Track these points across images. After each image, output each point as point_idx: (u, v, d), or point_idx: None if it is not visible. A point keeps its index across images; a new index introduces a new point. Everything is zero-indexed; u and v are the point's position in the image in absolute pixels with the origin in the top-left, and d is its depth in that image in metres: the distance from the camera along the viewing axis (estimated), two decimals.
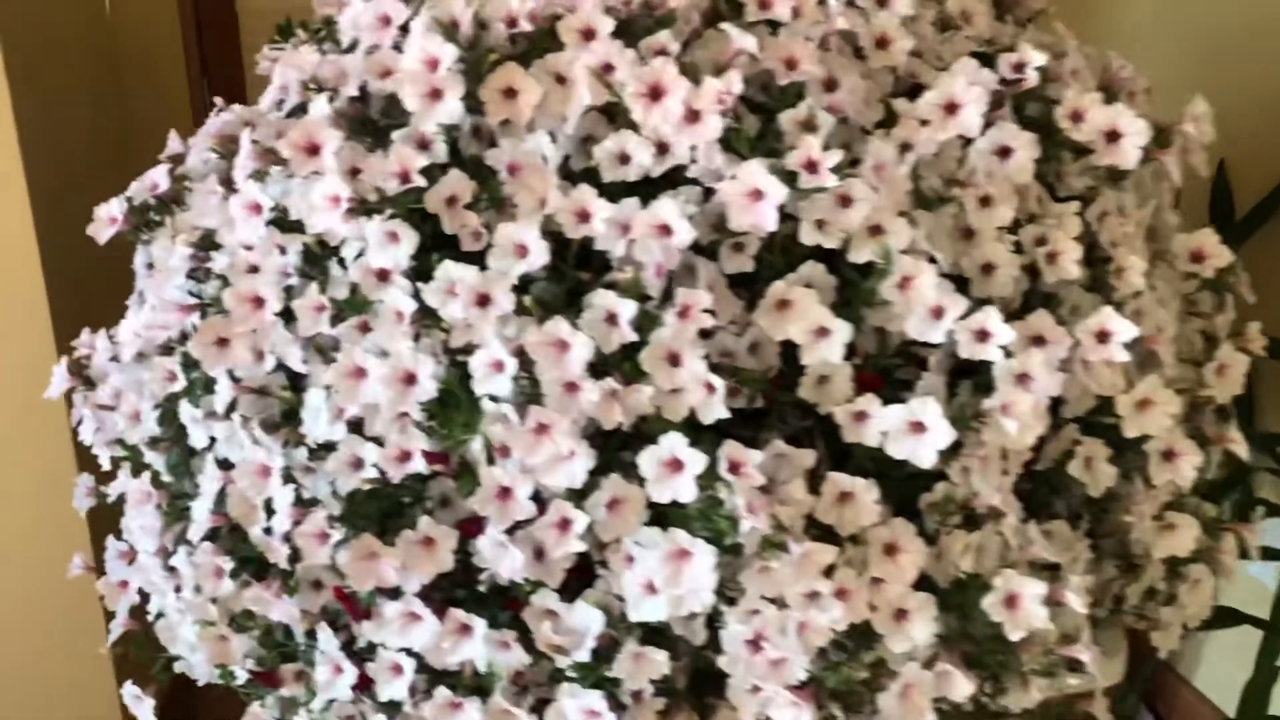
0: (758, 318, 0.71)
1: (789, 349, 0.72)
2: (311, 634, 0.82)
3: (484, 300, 0.72)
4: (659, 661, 0.71)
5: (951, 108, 0.72)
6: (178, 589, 0.86)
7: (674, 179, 0.74)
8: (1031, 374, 0.68)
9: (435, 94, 0.74)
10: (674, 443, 0.67)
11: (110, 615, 0.92)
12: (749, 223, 0.69)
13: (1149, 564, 0.81)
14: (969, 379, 0.73)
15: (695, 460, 0.66)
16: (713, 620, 0.72)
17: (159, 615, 0.90)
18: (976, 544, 0.70)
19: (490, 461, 0.71)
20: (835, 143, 0.73)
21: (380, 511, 0.76)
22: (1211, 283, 0.83)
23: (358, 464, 0.76)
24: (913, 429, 0.69)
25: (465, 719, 0.74)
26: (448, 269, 0.72)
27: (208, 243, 0.84)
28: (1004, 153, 0.75)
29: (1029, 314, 0.71)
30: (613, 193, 0.73)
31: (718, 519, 0.67)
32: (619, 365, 0.70)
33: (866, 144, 0.72)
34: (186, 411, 0.82)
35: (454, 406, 0.73)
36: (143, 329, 0.89)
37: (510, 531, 0.72)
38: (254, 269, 0.81)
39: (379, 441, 0.75)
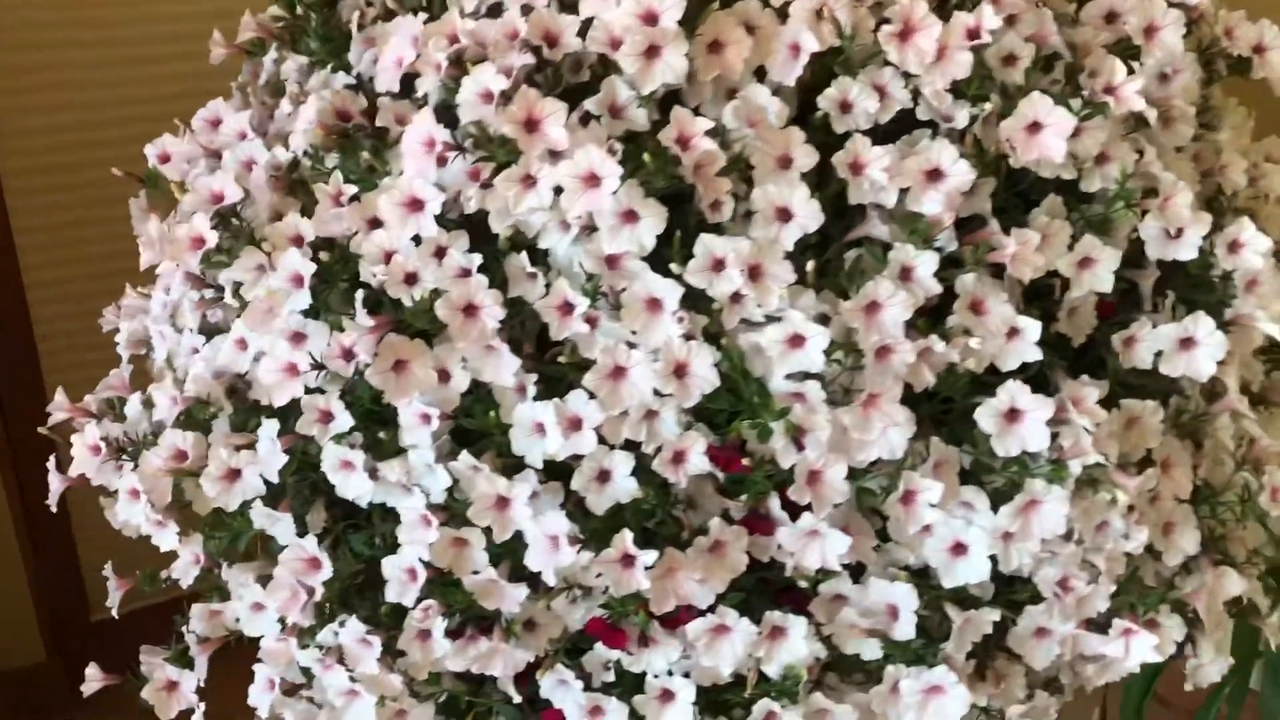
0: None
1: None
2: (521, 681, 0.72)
3: (757, 272, 0.65)
4: (984, 621, 0.69)
5: (1150, 31, 0.74)
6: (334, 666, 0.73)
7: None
8: None
9: (654, 51, 0.66)
10: (1014, 391, 0.64)
11: None
12: (1034, 157, 0.67)
13: None
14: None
15: (1040, 405, 0.64)
16: None
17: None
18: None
19: (799, 446, 0.65)
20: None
21: (638, 526, 0.68)
22: None
23: (604, 477, 0.67)
24: (1183, 345, 0.70)
25: None
26: (709, 243, 0.65)
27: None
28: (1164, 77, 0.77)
29: None
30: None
31: (1048, 465, 0.66)
32: (914, 324, 0.66)
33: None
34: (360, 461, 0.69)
35: (735, 394, 0.66)
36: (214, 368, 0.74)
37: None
38: (411, 278, 0.69)
39: (631, 447, 0.67)
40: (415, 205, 0.69)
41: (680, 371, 0.65)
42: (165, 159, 0.88)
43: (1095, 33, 0.74)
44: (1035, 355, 0.66)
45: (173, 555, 0.80)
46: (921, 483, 0.64)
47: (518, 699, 0.73)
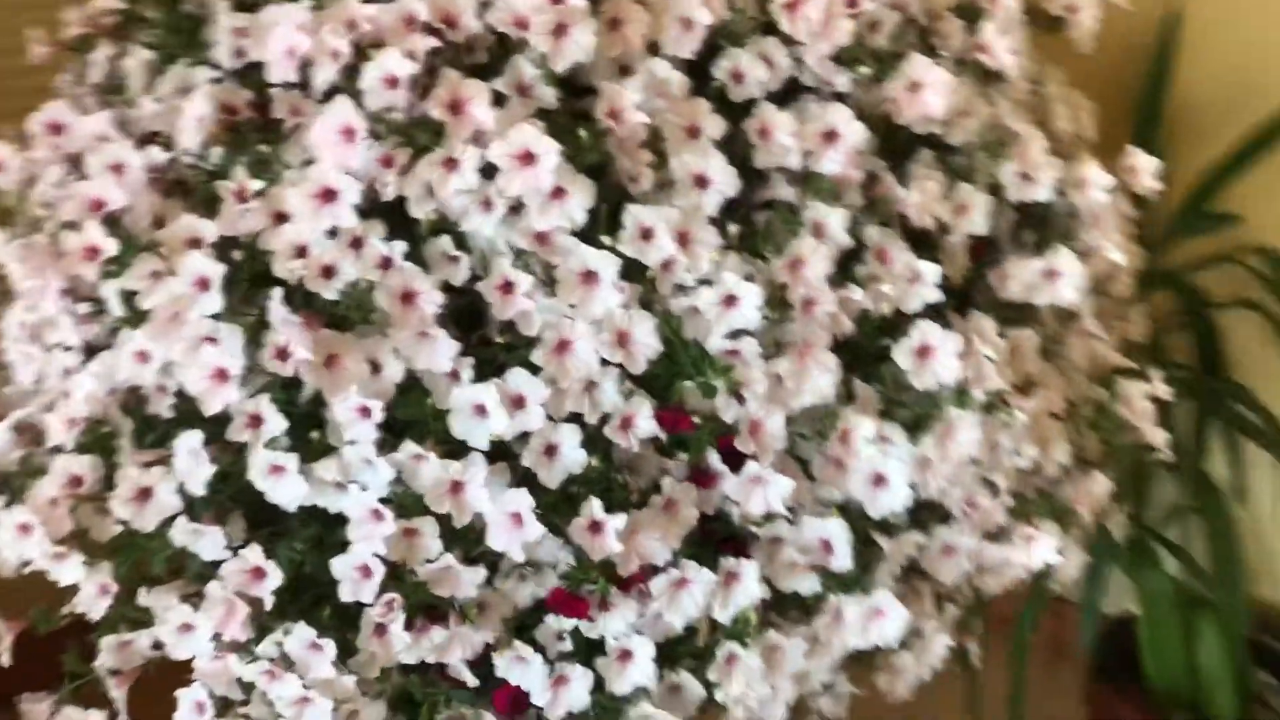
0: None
1: None
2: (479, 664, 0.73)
3: (685, 239, 0.68)
4: (909, 544, 0.74)
5: None
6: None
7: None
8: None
9: (562, 29, 0.67)
10: (925, 329, 0.70)
11: None
12: (917, 113, 0.73)
13: None
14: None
15: (949, 340, 0.70)
16: None
17: None
18: None
19: (739, 400, 0.68)
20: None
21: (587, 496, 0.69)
22: None
23: (551, 451, 0.69)
24: (1048, 276, 0.78)
25: (743, 668, 0.71)
26: (637, 213, 0.67)
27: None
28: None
29: None
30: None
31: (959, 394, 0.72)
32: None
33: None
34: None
35: (671, 358, 0.68)
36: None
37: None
38: (328, 271, 0.68)
39: (577, 421, 0.68)
40: (329, 196, 0.68)
41: (623, 340, 0.67)
42: None
43: None
44: (937, 296, 0.72)
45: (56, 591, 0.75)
46: (857, 420, 0.69)
47: (474, 683, 0.73)
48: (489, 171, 0.66)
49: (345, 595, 0.68)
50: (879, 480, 0.73)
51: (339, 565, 0.68)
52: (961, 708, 1.49)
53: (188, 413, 0.72)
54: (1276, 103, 1.37)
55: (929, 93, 0.72)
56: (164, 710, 0.75)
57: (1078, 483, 0.82)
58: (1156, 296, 1.40)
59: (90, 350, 0.76)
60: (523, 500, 0.66)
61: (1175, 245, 1.45)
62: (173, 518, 0.71)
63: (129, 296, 0.70)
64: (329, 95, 0.70)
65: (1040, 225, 0.82)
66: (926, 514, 0.78)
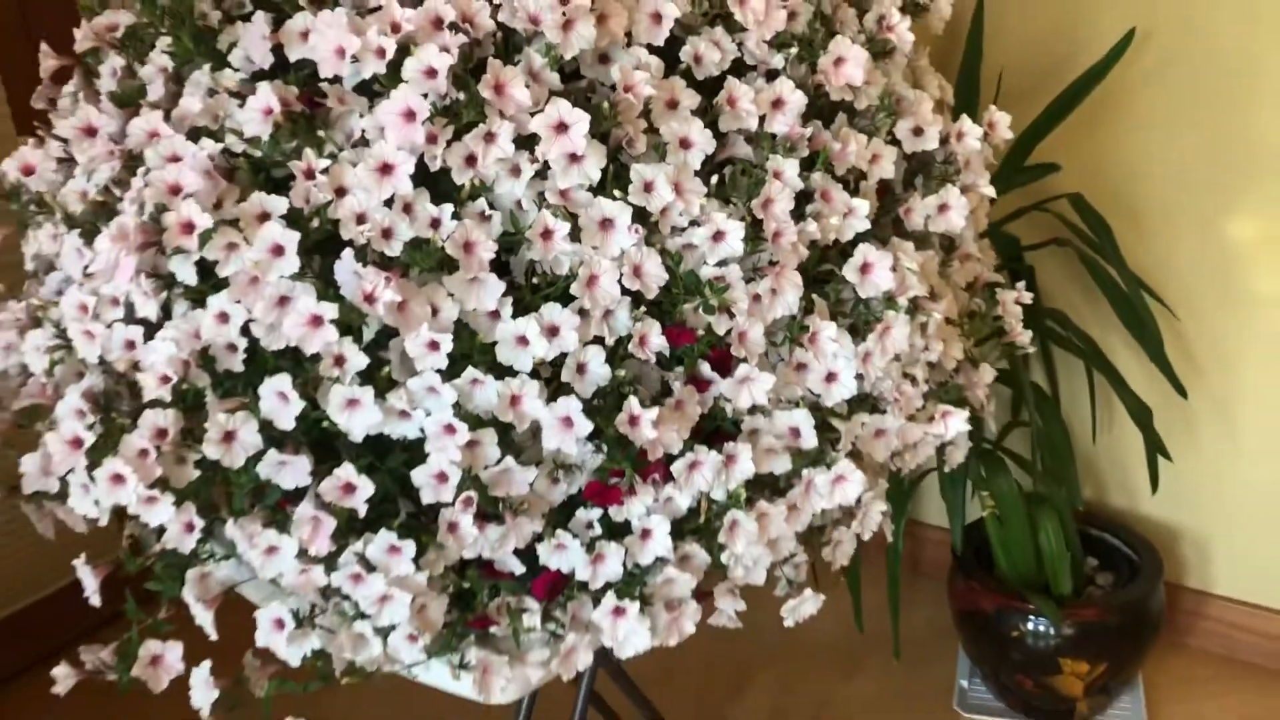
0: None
1: None
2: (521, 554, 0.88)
3: (679, 189, 0.85)
4: (858, 424, 0.94)
5: None
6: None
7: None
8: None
9: (569, 24, 0.83)
10: (865, 250, 0.89)
11: None
12: (842, 83, 0.92)
13: None
14: None
15: (884, 258, 0.89)
16: None
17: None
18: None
19: (730, 315, 0.86)
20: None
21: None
22: None
23: (582, 369, 0.84)
24: (941, 210, 0.99)
25: (742, 531, 0.88)
26: (640, 170, 0.84)
27: None
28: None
29: None
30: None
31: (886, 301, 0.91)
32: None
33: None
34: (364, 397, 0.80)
35: (669, 287, 0.85)
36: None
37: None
38: (387, 232, 0.81)
39: (599, 343, 0.84)
40: (387, 170, 0.81)
41: (638, 272, 0.83)
42: (29, 171, 0.91)
43: None
44: (866, 226, 0.92)
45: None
46: (823, 324, 0.87)
47: (521, 570, 0.88)
48: (518, 143, 0.81)
49: (427, 498, 0.82)
50: (831, 377, 0.92)
51: (420, 474, 0.82)
52: (849, 622, 1.73)
53: (255, 365, 0.84)
54: (1079, 72, 1.64)
55: (849, 65, 0.92)
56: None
57: (969, 374, 1.04)
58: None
59: (146, 322, 0.86)
60: (572, 404, 0.81)
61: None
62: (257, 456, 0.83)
63: (211, 265, 0.82)
64: (365, 87, 0.83)
65: (924, 170, 1.03)
66: (860, 404, 0.98)
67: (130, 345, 0.87)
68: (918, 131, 0.99)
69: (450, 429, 0.81)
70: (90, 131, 0.90)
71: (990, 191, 1.02)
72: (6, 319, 0.94)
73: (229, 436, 0.82)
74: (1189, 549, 1.92)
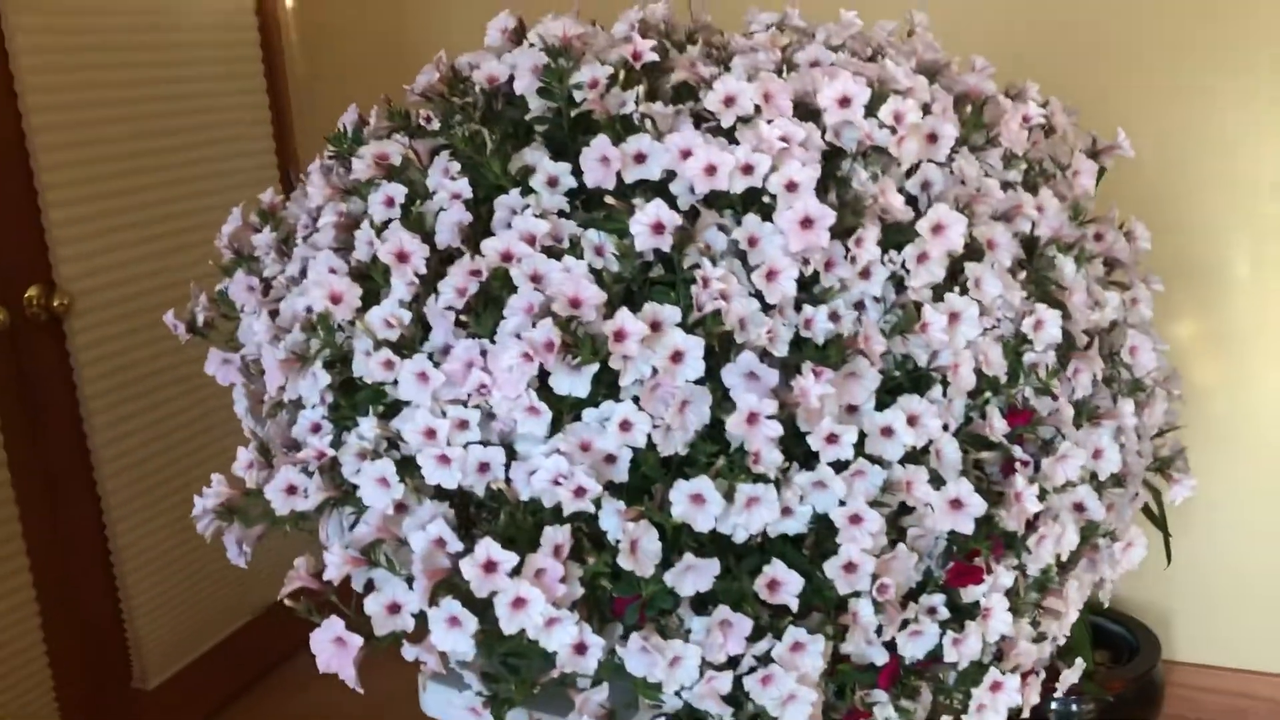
0: None
1: None
2: None
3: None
4: None
5: None
6: None
7: None
8: None
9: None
10: (1133, 335, 1.00)
11: None
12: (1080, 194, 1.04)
13: None
14: None
15: (1148, 343, 1.01)
16: None
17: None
18: None
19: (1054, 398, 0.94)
20: None
21: None
22: None
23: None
24: None
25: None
26: (971, 269, 0.92)
27: None
28: None
29: None
30: None
31: None
32: None
33: None
34: None
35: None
36: None
37: None
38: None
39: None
40: (771, 275, 0.85)
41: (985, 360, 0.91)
42: (336, 299, 0.90)
43: None
44: (1120, 315, 1.03)
45: None
46: (1123, 403, 0.97)
47: (884, 659, 0.90)
48: None
49: (842, 589, 0.84)
50: (1098, 454, 1.01)
51: (830, 566, 0.84)
52: None
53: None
54: None
55: (1084, 177, 1.05)
56: None
57: None
58: None
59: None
60: (963, 487, 0.86)
61: None
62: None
63: None
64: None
65: None
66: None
67: (484, 467, 0.85)
68: None
69: (856, 519, 0.84)
70: (403, 257, 0.89)
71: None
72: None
73: (633, 546, 0.82)
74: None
